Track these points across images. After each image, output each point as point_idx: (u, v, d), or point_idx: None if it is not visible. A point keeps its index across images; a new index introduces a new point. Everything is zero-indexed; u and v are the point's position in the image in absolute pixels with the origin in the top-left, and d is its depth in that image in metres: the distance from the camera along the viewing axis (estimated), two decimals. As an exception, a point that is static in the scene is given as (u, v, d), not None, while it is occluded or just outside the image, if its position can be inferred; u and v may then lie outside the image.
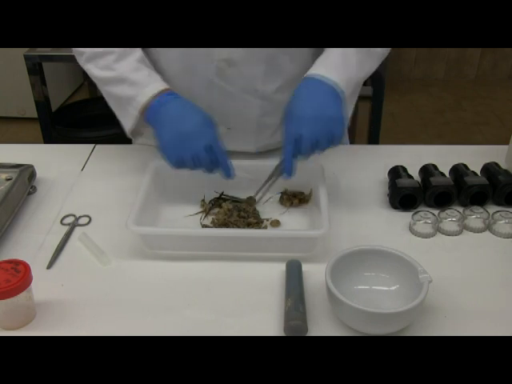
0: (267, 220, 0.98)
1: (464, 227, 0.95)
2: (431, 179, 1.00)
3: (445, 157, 1.10)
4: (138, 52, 0.98)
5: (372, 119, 2.21)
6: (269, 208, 1.01)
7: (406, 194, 0.99)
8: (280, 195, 1.03)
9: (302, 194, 1.03)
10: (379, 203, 1.02)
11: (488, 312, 0.78)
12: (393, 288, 0.80)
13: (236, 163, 1.05)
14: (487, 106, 3.35)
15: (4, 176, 1.00)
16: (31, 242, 0.94)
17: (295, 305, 0.76)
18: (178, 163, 0.91)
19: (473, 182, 0.99)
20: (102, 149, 1.23)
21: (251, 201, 1.01)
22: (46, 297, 0.81)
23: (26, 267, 0.76)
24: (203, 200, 1.03)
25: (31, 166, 1.07)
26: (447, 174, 1.05)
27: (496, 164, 1.06)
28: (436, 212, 0.96)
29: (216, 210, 1.00)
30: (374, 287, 0.81)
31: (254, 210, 0.99)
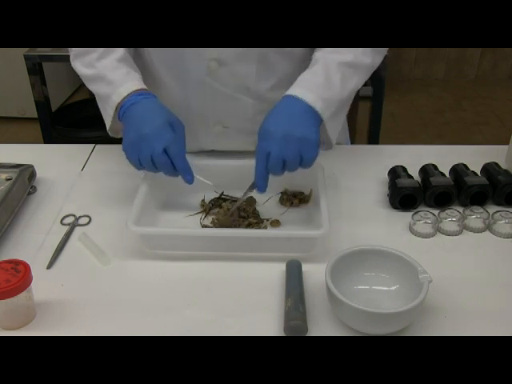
0: (267, 220, 0.98)
1: (464, 227, 0.95)
2: (431, 179, 1.00)
3: (445, 157, 1.10)
4: (119, 51, 0.98)
5: (372, 119, 2.21)
6: (269, 208, 1.01)
7: (405, 194, 0.99)
8: (280, 195, 1.03)
9: (302, 193, 1.03)
10: (379, 203, 1.02)
11: (488, 312, 0.78)
12: (393, 288, 0.80)
13: (235, 163, 1.06)
14: (487, 105, 3.35)
15: (4, 176, 1.00)
16: (31, 241, 0.94)
17: (295, 305, 0.76)
18: (138, 164, 0.91)
19: (473, 182, 0.99)
20: (102, 149, 1.23)
21: (251, 201, 1.01)
22: (45, 297, 0.81)
23: (26, 267, 0.76)
24: (203, 200, 1.03)
25: (31, 166, 1.07)
26: (447, 174, 1.05)
27: (496, 164, 1.06)
28: (436, 212, 0.96)
29: (216, 210, 1.00)
30: (373, 287, 0.81)
31: (254, 210, 0.99)
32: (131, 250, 0.91)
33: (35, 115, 2.24)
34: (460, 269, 0.87)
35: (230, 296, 0.82)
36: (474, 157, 1.09)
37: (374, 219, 0.98)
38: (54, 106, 2.66)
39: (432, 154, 1.15)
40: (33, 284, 0.77)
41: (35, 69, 2.10)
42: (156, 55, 1.03)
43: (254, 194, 0.94)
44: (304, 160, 0.88)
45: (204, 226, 0.97)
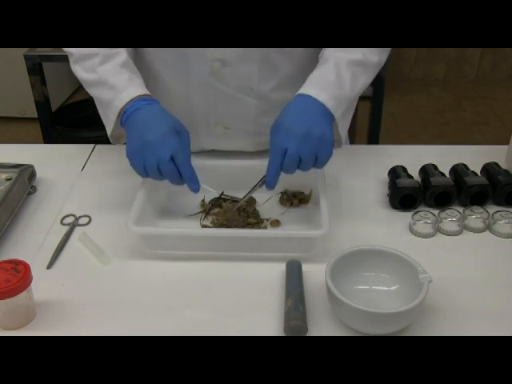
0: (267, 220, 0.98)
1: (464, 227, 0.95)
2: (431, 179, 1.00)
3: (445, 157, 1.10)
4: (122, 55, 0.97)
5: (372, 119, 2.21)
6: (269, 208, 1.01)
7: (405, 194, 0.99)
8: (280, 195, 1.03)
9: (301, 193, 1.03)
10: (379, 203, 1.02)
11: (488, 312, 0.78)
12: (393, 288, 0.80)
13: (235, 163, 1.06)
14: (487, 105, 3.35)
15: (4, 176, 1.00)
16: (31, 241, 0.94)
17: (295, 305, 0.76)
18: (143, 172, 0.89)
19: (473, 182, 0.99)
20: (102, 149, 1.23)
21: (251, 201, 1.01)
22: (45, 297, 0.81)
23: (26, 267, 0.76)
24: (203, 200, 1.03)
25: (31, 166, 1.07)
26: (447, 174, 1.05)
27: (496, 164, 1.06)
28: (436, 212, 0.96)
29: (216, 210, 1.00)
30: (373, 287, 0.81)
31: (254, 210, 0.99)
32: (131, 250, 0.91)
33: (35, 115, 2.24)
34: (460, 269, 0.87)
35: (230, 296, 0.82)
36: (474, 157, 1.09)
37: (374, 219, 0.98)
38: (54, 106, 2.66)
39: (432, 154, 1.15)
40: (33, 284, 0.77)
41: (35, 69, 2.11)
42: (158, 55, 1.03)
43: (258, 193, 0.94)
44: (319, 159, 0.88)
45: (204, 226, 0.97)
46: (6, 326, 0.77)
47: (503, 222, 0.93)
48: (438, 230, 0.95)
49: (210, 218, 0.98)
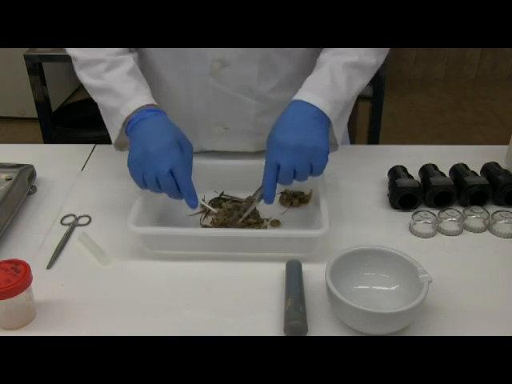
0: (267, 220, 0.98)
1: (464, 227, 0.95)
2: (431, 179, 1.00)
3: (445, 157, 1.10)
4: (129, 63, 0.96)
5: (372, 119, 2.21)
6: (269, 208, 1.01)
7: (405, 194, 0.99)
8: (280, 195, 1.03)
9: (302, 193, 1.03)
10: (379, 203, 1.02)
11: (488, 312, 0.78)
12: (393, 288, 0.80)
13: (236, 163, 1.05)
14: (487, 105, 3.35)
15: (4, 176, 1.00)
16: (31, 241, 0.94)
17: (295, 305, 0.76)
18: (142, 184, 0.88)
19: (473, 182, 0.99)
20: (102, 149, 1.23)
21: (251, 201, 1.01)
22: (45, 297, 0.81)
23: (26, 267, 0.76)
24: (203, 200, 1.03)
25: (31, 166, 1.07)
26: (447, 174, 1.05)
27: (496, 164, 1.06)
28: (436, 212, 0.96)
29: (216, 210, 1.00)
30: (373, 287, 0.81)
31: (254, 210, 0.99)
32: (131, 250, 0.91)
33: (35, 115, 2.24)
34: (460, 269, 0.87)
35: (230, 296, 0.82)
36: (474, 157, 1.09)
37: (374, 219, 0.98)
38: (54, 106, 2.66)
39: (432, 154, 1.15)
40: (33, 284, 0.77)
41: (35, 69, 2.10)
42: (159, 55, 1.03)
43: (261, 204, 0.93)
44: (314, 169, 0.88)
45: (204, 226, 0.97)
46: (6, 326, 0.77)
47: (503, 222, 0.93)
48: (438, 229, 0.95)
49: (210, 218, 0.98)
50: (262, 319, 0.78)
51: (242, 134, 1.11)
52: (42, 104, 2.18)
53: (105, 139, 1.05)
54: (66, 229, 0.97)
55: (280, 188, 1.02)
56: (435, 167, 1.06)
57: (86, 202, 1.04)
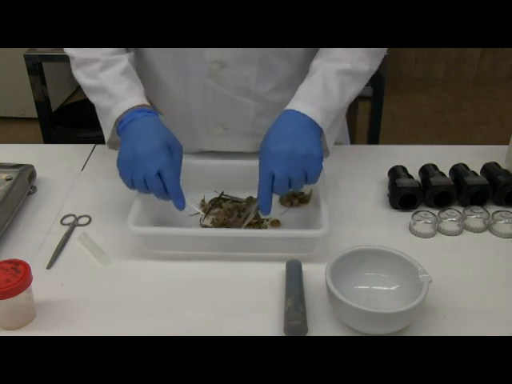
0: (267, 220, 0.98)
1: (464, 227, 0.95)
2: (431, 179, 1.00)
3: (445, 157, 1.10)
4: (123, 63, 0.97)
5: (372, 119, 2.21)
6: (269, 208, 1.01)
7: (405, 194, 0.99)
8: (280, 195, 1.03)
9: (302, 194, 1.03)
10: (379, 203, 1.02)
11: (488, 312, 0.78)
12: (393, 288, 0.80)
13: (235, 163, 1.05)
14: (487, 105, 3.35)
15: (4, 176, 1.00)
16: (31, 241, 0.94)
17: (295, 305, 0.76)
18: (130, 184, 0.89)
19: (473, 182, 0.99)
20: (102, 149, 1.23)
21: (251, 201, 1.01)
22: (45, 297, 0.81)
23: (26, 267, 0.76)
24: (203, 200, 1.03)
25: (31, 166, 1.07)
26: (447, 174, 1.05)
27: (496, 164, 1.06)
28: (436, 212, 0.96)
29: (216, 210, 1.00)
30: (373, 287, 0.81)
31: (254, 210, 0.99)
32: (131, 250, 0.91)
33: (35, 115, 2.24)
34: (460, 269, 0.87)
35: (230, 296, 0.82)
36: (474, 157, 1.09)
37: (374, 219, 0.98)
38: (54, 106, 2.66)
39: (432, 154, 1.15)
40: (33, 284, 0.77)
41: (35, 69, 2.10)
42: (157, 56, 1.03)
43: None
44: (309, 176, 0.87)
45: (204, 226, 0.97)
46: (6, 326, 0.77)
47: (503, 222, 0.93)
48: (438, 229, 0.95)
49: (210, 218, 0.98)
50: (262, 319, 0.78)
51: (241, 135, 1.11)
52: (42, 104, 2.18)
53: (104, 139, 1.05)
54: (66, 229, 0.97)
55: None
56: (435, 167, 1.06)
57: (85, 202, 1.04)
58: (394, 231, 0.95)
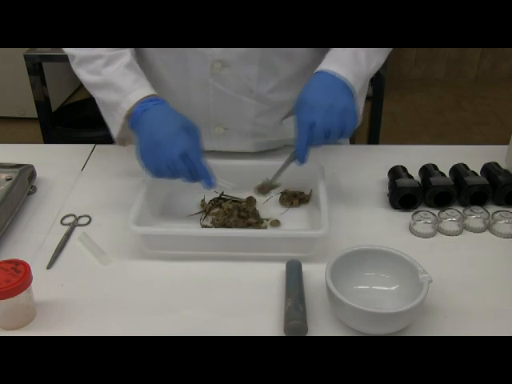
0: (267, 220, 0.98)
1: (464, 227, 0.95)
2: (431, 179, 1.00)
3: (445, 157, 1.10)
4: (126, 57, 0.97)
5: (372, 119, 2.21)
6: (269, 208, 1.01)
7: (405, 194, 0.99)
8: (280, 195, 1.03)
9: (302, 193, 1.03)
10: (379, 203, 1.02)
11: (488, 312, 0.78)
12: (393, 288, 0.80)
13: (235, 163, 1.05)
14: (487, 105, 3.35)
15: (4, 176, 1.00)
16: (31, 242, 0.94)
17: (295, 305, 0.76)
18: (157, 172, 0.89)
19: (473, 182, 0.99)
20: (102, 149, 1.23)
21: (251, 201, 1.01)
22: (45, 297, 0.81)
23: (26, 267, 0.76)
24: (203, 200, 1.03)
25: (31, 166, 1.07)
26: (447, 174, 1.05)
27: (496, 164, 1.06)
28: (436, 212, 0.96)
29: (216, 209, 1.00)
30: (373, 287, 0.81)
31: (254, 210, 0.99)
32: (131, 250, 0.91)
33: (35, 115, 2.24)
34: (460, 269, 0.87)
35: (230, 296, 0.82)
36: (474, 157, 1.09)
37: (374, 219, 0.98)
38: (54, 106, 2.66)
39: (432, 154, 1.15)
40: (33, 284, 0.77)
41: (35, 69, 2.10)
42: (159, 56, 1.03)
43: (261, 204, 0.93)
44: (346, 130, 0.89)
45: (204, 226, 0.97)
46: (6, 325, 0.77)
47: (503, 222, 0.93)
48: (438, 230, 0.95)
49: (210, 218, 0.98)
50: (262, 319, 0.78)
51: (242, 135, 1.11)
52: (42, 104, 2.18)
53: (105, 139, 1.05)
54: (66, 229, 0.97)
55: (280, 188, 1.02)
56: (435, 167, 1.06)
57: (85, 202, 1.04)
58: (394, 231, 0.95)
